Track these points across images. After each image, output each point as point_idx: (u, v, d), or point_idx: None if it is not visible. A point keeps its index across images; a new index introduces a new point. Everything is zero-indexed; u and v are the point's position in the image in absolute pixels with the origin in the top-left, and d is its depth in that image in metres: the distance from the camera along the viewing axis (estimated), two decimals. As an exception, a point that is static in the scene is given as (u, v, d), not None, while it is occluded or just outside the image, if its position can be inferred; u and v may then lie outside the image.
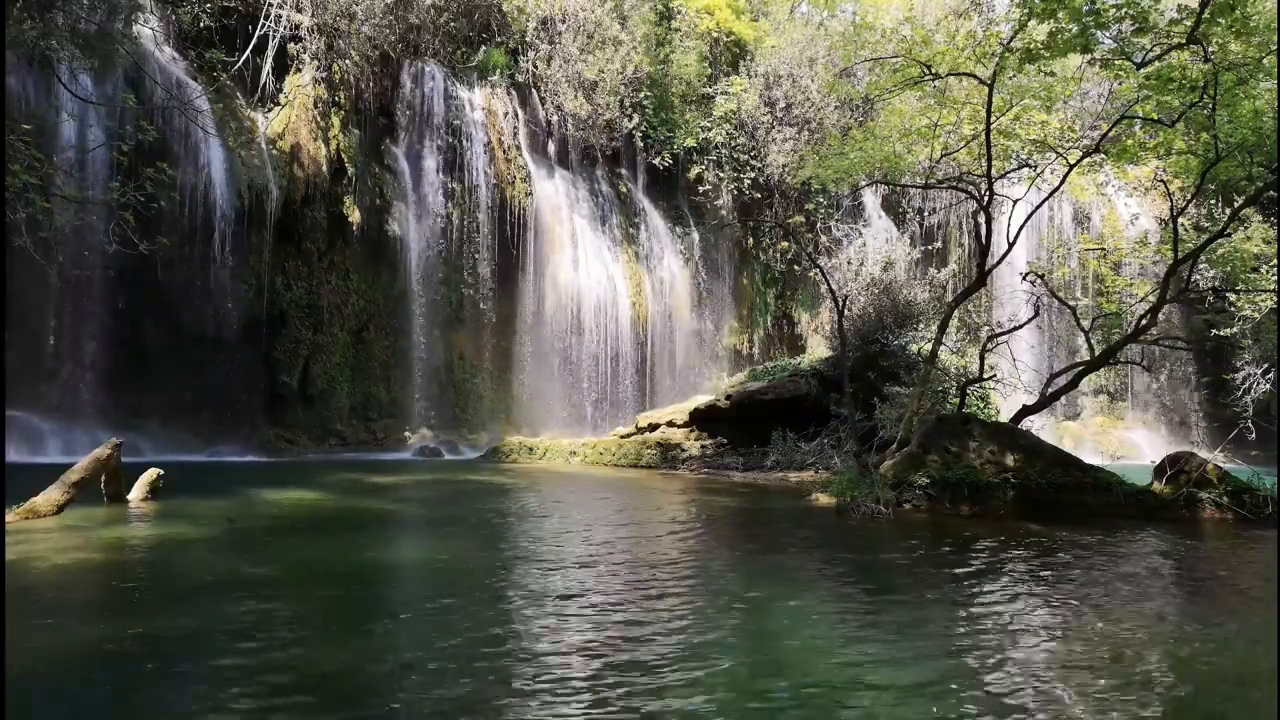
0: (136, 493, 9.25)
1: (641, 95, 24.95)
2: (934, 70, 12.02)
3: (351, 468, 15.26)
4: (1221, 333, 18.32)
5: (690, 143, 25.86)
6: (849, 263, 20.64)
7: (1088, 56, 10.97)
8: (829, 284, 14.28)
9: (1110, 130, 12.62)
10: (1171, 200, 12.97)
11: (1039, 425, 17.80)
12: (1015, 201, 13.59)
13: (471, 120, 22.40)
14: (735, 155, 26.15)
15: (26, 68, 15.23)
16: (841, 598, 5.63)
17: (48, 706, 3.48)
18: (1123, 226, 26.41)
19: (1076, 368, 13.06)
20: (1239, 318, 18.05)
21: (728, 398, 18.00)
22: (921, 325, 17.51)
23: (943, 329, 13.46)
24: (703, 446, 17.23)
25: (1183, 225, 13.54)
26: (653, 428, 18.43)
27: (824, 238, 26.41)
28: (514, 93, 23.78)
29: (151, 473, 9.49)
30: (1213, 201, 21.44)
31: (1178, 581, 6.54)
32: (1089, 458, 12.34)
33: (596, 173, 25.33)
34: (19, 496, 7.91)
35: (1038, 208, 13.87)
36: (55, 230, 14.17)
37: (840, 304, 13.05)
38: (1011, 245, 13.26)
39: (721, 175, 26.14)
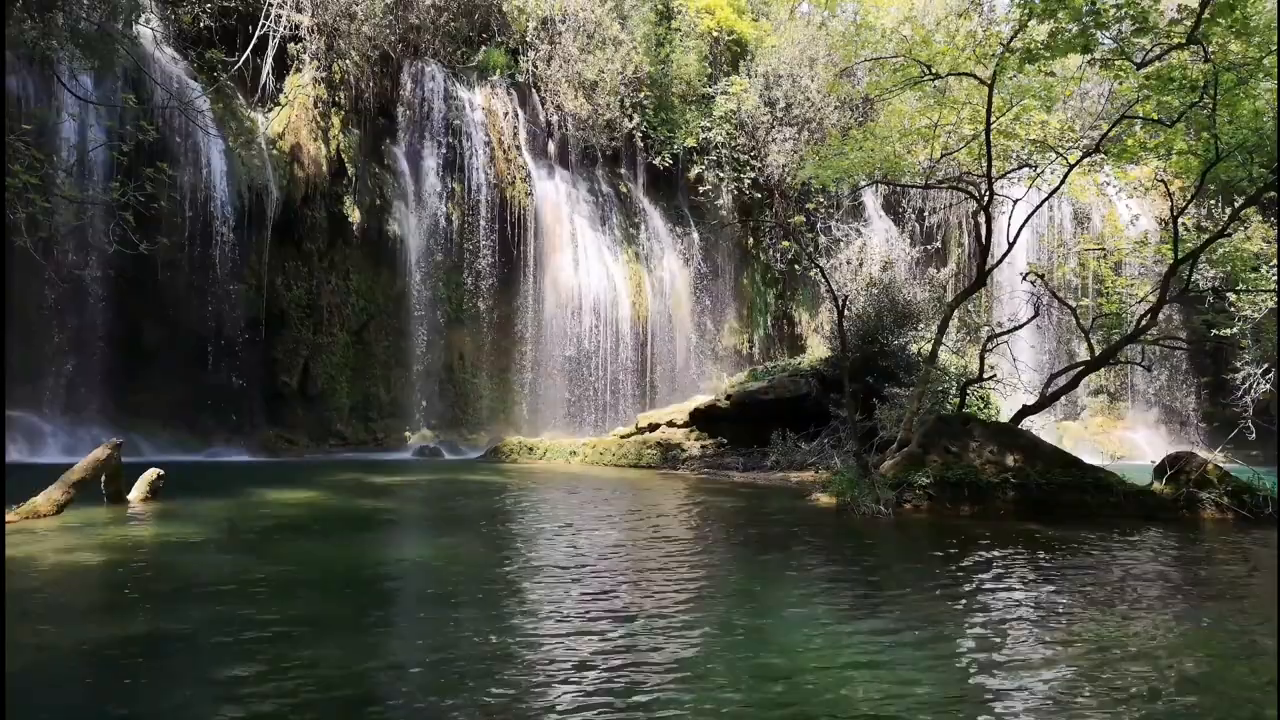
0: (137, 493, 9.25)
1: (641, 95, 24.93)
2: (934, 70, 12.03)
3: (351, 468, 15.25)
4: (1221, 333, 18.33)
5: (690, 143, 25.84)
6: (849, 263, 20.67)
7: (1088, 56, 10.97)
8: (829, 284, 14.28)
9: (1110, 130, 12.62)
10: (1171, 200, 12.96)
11: (1039, 425, 17.76)
12: (1015, 201, 13.59)
13: (471, 120, 22.39)
14: (735, 155, 26.13)
15: (26, 68, 15.23)
16: (842, 597, 5.63)
17: (47, 706, 3.48)
18: (1123, 226, 26.40)
19: (1076, 368, 13.06)
20: (1239, 318, 18.04)
21: (728, 398, 18.00)
22: (921, 325, 17.51)
23: (943, 329, 13.47)
24: (703, 446, 17.23)
25: (1183, 225, 13.53)
26: (653, 428, 18.43)
27: (824, 238, 26.40)
28: (514, 93, 23.77)
29: (151, 473, 9.49)
30: (1213, 201, 21.45)
31: (1176, 582, 6.54)
32: (1089, 458, 12.33)
33: (597, 173, 25.31)
34: (19, 496, 7.91)
35: (1038, 208, 13.88)
36: (55, 230, 14.17)
37: (840, 304, 13.04)
38: (1011, 245, 13.27)
39: (721, 175, 26.12)
